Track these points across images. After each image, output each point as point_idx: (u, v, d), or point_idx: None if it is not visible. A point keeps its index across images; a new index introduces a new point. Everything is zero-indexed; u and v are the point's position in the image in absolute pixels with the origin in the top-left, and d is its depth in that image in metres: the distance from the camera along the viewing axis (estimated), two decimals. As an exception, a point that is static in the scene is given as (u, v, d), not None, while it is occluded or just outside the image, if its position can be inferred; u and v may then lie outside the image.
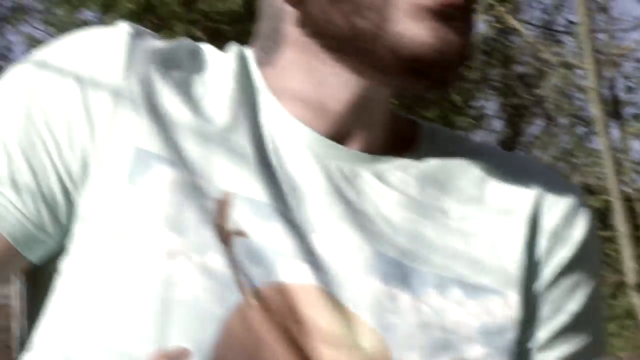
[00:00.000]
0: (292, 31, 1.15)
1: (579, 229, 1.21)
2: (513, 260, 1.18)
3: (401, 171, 1.21)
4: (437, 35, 1.05)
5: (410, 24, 1.07)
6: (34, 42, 21.98)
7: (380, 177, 1.19)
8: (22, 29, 25.14)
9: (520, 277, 1.18)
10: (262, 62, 1.19)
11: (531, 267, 1.21)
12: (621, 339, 12.19)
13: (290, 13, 1.13)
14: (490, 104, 17.32)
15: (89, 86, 1.11)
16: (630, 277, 10.46)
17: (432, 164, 1.23)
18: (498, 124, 17.96)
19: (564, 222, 1.22)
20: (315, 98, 1.18)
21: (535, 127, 18.54)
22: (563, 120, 16.86)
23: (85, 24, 13.75)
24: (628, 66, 11.46)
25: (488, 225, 1.21)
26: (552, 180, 1.27)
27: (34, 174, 1.10)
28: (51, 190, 1.11)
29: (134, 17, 13.11)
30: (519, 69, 16.37)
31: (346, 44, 1.13)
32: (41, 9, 20.13)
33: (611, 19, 11.38)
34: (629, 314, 11.78)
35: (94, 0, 15.05)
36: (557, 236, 1.22)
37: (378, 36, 1.09)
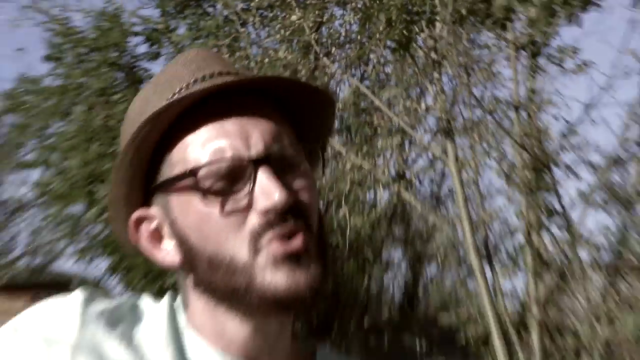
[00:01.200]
0: (192, 289, 1.41)
1: None
2: None
3: None
4: (289, 278, 1.29)
5: (269, 274, 1.30)
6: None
7: None
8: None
9: None
10: (185, 306, 1.45)
11: None
12: None
13: (189, 277, 1.40)
14: (396, 254, 18.85)
15: (49, 347, 1.28)
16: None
17: None
18: (403, 269, 19.55)
19: None
20: (223, 333, 1.40)
21: (431, 270, 19.74)
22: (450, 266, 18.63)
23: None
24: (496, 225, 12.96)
25: None
26: None
27: None
28: None
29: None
30: (417, 226, 17.74)
31: (226, 296, 1.35)
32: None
33: (479, 189, 12.56)
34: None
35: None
36: None
37: (249, 289, 1.31)
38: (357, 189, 13.03)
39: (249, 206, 1.30)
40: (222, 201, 1.31)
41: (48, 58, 14.24)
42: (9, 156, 18.27)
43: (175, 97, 1.33)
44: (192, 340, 1.39)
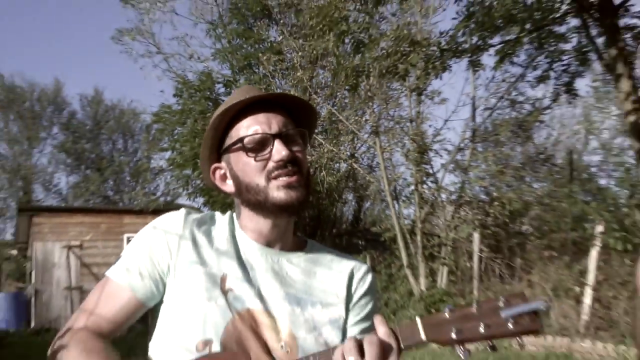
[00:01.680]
0: (241, 205, 1.66)
1: (368, 279, 1.73)
2: (341, 292, 1.66)
3: (297, 258, 1.67)
4: (286, 195, 1.54)
5: (275, 192, 1.55)
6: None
7: (289, 261, 1.65)
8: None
9: (344, 299, 1.66)
10: (238, 217, 1.69)
11: (349, 295, 1.68)
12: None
13: (239, 199, 1.65)
14: (349, 196, 20.42)
15: (168, 235, 1.57)
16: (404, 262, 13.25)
17: (311, 255, 1.70)
18: (353, 204, 20.87)
19: (362, 276, 1.72)
20: (256, 229, 1.65)
21: (367, 205, 21.38)
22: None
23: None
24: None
25: (332, 278, 1.69)
26: (358, 262, 1.76)
27: (148, 269, 1.60)
28: (155, 276, 1.60)
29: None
30: (361, 181, 19.21)
31: (256, 206, 1.60)
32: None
33: (392, 162, 15.56)
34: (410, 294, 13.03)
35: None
36: (359, 282, 1.71)
37: (265, 200, 1.56)
38: (329, 162, 16.04)
39: (269, 158, 1.57)
40: (255, 156, 1.58)
41: (175, 95, 17.09)
42: (156, 145, 19.51)
43: (234, 103, 1.59)
44: (241, 235, 1.69)
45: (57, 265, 17.72)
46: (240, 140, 1.58)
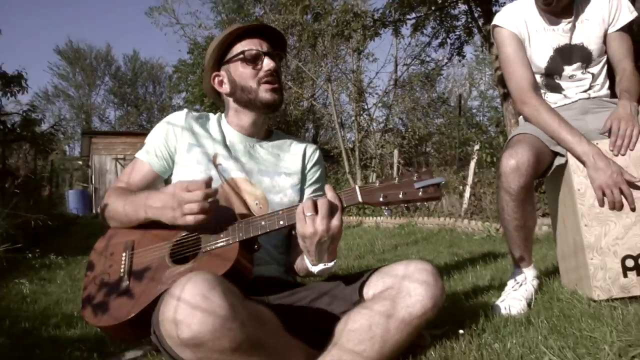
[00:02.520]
0: (231, 102, 1.60)
1: (316, 155, 1.69)
2: (299, 165, 1.64)
3: (267, 143, 1.64)
4: (271, 96, 1.53)
5: (263, 93, 1.53)
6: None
7: (261, 146, 1.61)
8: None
9: (300, 169, 1.64)
10: (226, 115, 1.63)
11: (303, 166, 1.65)
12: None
13: (232, 100, 1.60)
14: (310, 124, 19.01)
15: (175, 126, 1.55)
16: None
17: (276, 142, 1.66)
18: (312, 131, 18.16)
19: (312, 152, 1.69)
20: (239, 122, 1.59)
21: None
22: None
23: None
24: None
25: (293, 158, 1.63)
26: (309, 144, 1.71)
27: (161, 151, 1.56)
28: (166, 155, 1.55)
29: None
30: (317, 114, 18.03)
31: (246, 103, 1.55)
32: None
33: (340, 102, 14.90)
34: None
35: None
36: (310, 157, 1.69)
37: (255, 99, 1.52)
38: (296, 100, 15.53)
39: (260, 68, 1.53)
40: (251, 65, 1.54)
41: (188, 52, 17.26)
42: (175, 88, 19.01)
43: (239, 26, 1.57)
44: (227, 127, 1.63)
45: (108, 171, 18.52)
46: (242, 52, 1.54)
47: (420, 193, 1.23)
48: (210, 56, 1.58)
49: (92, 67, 35.96)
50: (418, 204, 8.02)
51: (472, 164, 7.57)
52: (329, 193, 1.26)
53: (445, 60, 14.24)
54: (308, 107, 17.11)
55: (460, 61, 12.58)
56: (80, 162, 23.31)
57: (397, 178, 1.26)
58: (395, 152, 11.79)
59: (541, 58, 2.15)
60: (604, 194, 1.85)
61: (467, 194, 7.32)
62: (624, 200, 1.84)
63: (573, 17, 2.11)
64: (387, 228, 7.60)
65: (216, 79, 1.61)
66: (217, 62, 1.60)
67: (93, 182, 18.44)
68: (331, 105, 14.38)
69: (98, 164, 18.37)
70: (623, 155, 1.88)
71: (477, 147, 7.73)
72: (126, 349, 1.67)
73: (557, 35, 2.12)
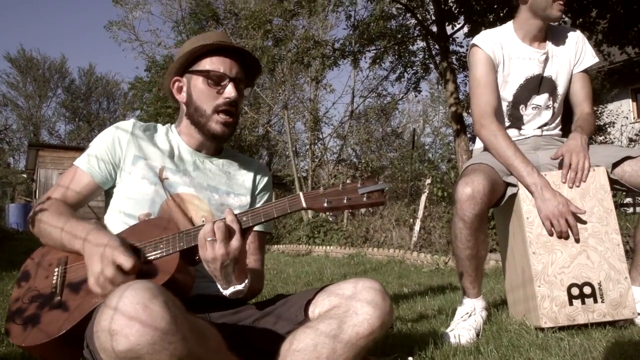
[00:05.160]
0: (184, 116, 1.52)
1: (266, 178, 1.65)
2: (248, 185, 1.59)
3: (217, 160, 1.57)
4: (221, 129, 1.46)
5: (214, 124, 1.46)
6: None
7: (211, 162, 1.56)
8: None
9: (250, 190, 1.59)
10: (178, 125, 1.57)
11: (253, 187, 1.61)
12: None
13: (185, 112, 1.51)
14: (264, 151, 19.13)
15: (121, 135, 1.47)
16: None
17: (227, 159, 1.60)
18: (265, 157, 18.82)
19: (262, 175, 1.65)
20: (191, 137, 1.54)
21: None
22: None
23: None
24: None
25: (244, 178, 1.60)
26: (260, 165, 1.68)
27: (105, 161, 1.46)
28: (109, 167, 1.46)
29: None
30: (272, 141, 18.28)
31: (195, 123, 1.49)
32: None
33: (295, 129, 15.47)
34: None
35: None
36: (260, 179, 1.64)
37: (205, 125, 1.47)
38: (251, 125, 15.49)
39: (220, 93, 1.45)
40: (213, 86, 1.46)
41: (146, 70, 17.02)
42: (130, 105, 18.85)
43: (218, 41, 1.47)
44: (177, 138, 1.56)
45: (54, 186, 18.03)
46: (207, 71, 1.44)
47: (365, 199, 1.20)
48: (178, 59, 1.48)
49: (44, 77, 34.61)
50: (370, 232, 8.10)
51: (423, 197, 7.57)
52: (228, 217, 1.22)
53: (401, 95, 14.57)
54: (263, 134, 17.14)
55: (416, 96, 13.18)
56: (25, 175, 22.47)
57: (341, 185, 1.23)
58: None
59: (512, 85, 2.19)
60: (551, 224, 1.90)
61: (417, 227, 7.28)
62: (569, 231, 1.90)
63: (548, 49, 2.19)
64: (337, 257, 7.54)
65: (176, 84, 1.52)
66: (182, 66, 1.49)
67: (37, 196, 17.69)
68: (286, 132, 14.41)
69: (44, 178, 17.64)
70: (578, 186, 1.96)
71: (428, 181, 7.76)
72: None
73: (533, 64, 2.17)
